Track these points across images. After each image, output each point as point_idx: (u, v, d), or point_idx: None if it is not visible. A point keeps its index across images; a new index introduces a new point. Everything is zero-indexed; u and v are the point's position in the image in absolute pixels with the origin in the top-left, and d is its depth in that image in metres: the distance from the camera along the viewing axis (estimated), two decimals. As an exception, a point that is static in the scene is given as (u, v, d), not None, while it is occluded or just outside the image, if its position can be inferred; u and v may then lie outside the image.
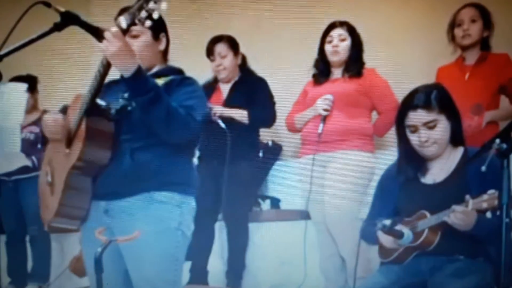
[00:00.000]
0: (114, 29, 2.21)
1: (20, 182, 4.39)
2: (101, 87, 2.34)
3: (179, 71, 2.60)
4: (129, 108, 2.36)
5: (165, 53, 2.62)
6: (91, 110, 2.36)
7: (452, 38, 3.86)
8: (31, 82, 4.44)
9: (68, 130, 2.47)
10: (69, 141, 2.46)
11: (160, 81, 2.46)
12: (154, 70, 2.57)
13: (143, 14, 2.14)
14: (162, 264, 2.46)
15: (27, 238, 4.49)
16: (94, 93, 2.34)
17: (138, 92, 2.30)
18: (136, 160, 2.41)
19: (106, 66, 2.28)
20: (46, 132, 2.54)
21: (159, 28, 2.54)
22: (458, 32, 3.81)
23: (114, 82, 2.50)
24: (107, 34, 2.21)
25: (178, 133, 2.39)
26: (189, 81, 2.53)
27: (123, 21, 2.21)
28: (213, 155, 3.96)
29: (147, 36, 2.52)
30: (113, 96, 2.43)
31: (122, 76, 2.31)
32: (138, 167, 2.41)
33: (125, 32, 2.23)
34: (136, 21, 2.17)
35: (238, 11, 4.58)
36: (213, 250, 4.04)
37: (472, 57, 3.82)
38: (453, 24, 3.84)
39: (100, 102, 2.38)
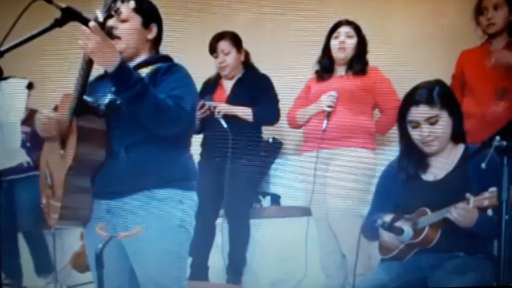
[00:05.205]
0: (92, 24, 2.17)
1: (15, 182, 4.40)
2: (86, 84, 2.31)
3: (166, 58, 2.54)
4: (118, 102, 2.31)
5: (155, 44, 2.54)
6: (80, 109, 2.32)
7: (477, 23, 3.73)
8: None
9: (61, 129, 2.44)
10: (63, 142, 2.43)
11: (146, 70, 2.42)
12: (141, 59, 2.50)
13: (119, 4, 2.13)
14: (166, 262, 2.44)
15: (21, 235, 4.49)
16: (81, 91, 2.30)
17: (123, 86, 2.26)
18: (132, 157, 2.37)
19: (89, 63, 2.25)
20: (40, 130, 2.50)
21: (150, 17, 2.50)
22: (482, 20, 3.70)
23: (100, 78, 2.46)
24: (84, 30, 2.18)
25: (168, 125, 2.34)
26: (176, 68, 2.46)
27: (100, 14, 2.18)
28: (215, 152, 3.95)
29: (135, 22, 2.47)
30: (101, 92, 2.39)
31: (105, 72, 2.27)
32: (134, 165, 2.37)
33: (103, 25, 2.20)
34: (112, 12, 2.16)
35: (240, 7, 4.56)
36: (214, 246, 4.04)
37: (499, 42, 3.71)
38: (478, 10, 3.72)
39: (88, 99, 2.34)
